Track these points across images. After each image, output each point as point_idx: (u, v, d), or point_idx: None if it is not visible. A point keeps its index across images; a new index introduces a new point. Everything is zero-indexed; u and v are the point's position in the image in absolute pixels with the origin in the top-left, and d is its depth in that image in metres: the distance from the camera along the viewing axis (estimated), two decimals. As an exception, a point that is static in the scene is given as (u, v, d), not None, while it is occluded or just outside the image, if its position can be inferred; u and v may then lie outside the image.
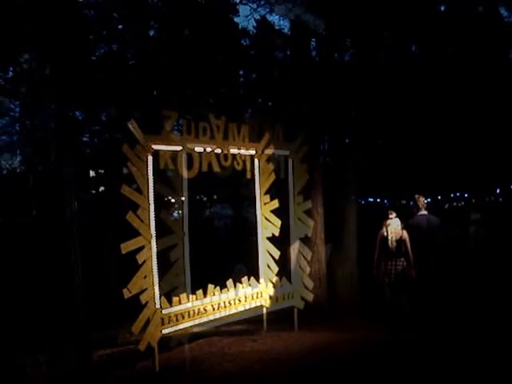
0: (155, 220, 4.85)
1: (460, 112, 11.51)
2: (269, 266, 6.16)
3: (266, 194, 6.16)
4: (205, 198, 17.07)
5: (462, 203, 23.16)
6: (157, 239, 4.88)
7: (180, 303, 5.07)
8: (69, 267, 4.96)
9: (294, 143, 6.44)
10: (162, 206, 5.53)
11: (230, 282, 5.66)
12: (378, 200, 24.96)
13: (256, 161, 6.04)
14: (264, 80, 12.73)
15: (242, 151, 5.80)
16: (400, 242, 6.15)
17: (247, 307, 5.79)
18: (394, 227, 6.20)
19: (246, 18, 13.98)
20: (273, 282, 6.13)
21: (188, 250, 5.78)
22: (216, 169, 5.52)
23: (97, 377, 4.86)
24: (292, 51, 8.51)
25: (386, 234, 6.20)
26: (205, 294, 5.35)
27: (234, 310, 5.64)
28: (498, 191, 21.63)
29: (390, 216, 6.29)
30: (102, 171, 11.02)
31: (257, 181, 6.08)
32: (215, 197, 17.50)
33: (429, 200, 19.04)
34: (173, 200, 6.43)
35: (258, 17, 11.02)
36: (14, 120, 10.32)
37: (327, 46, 7.82)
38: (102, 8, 9.05)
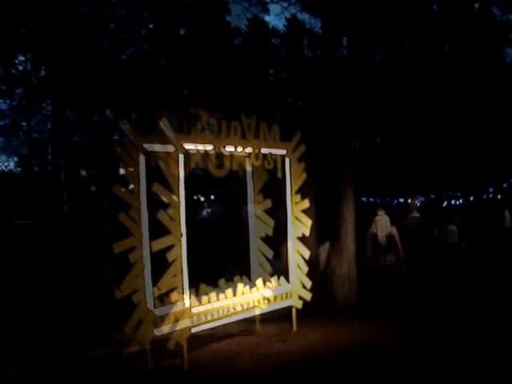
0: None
1: (455, 111, 11.57)
2: (298, 266, 6.16)
3: (296, 193, 6.15)
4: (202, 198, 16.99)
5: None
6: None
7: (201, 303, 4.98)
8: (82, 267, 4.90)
9: (291, 142, 6.43)
10: (160, 206, 5.52)
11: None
12: (372, 199, 24.90)
13: (287, 160, 6.05)
14: (260, 78, 12.70)
15: (273, 151, 5.83)
16: (389, 237, 6.39)
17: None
18: (382, 223, 6.47)
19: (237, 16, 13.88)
20: (302, 282, 6.11)
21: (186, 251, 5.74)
22: (248, 169, 5.70)
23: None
24: (287, 50, 8.53)
25: (375, 230, 6.45)
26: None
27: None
28: (490, 189, 21.22)
29: (379, 213, 6.58)
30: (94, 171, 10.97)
31: (287, 180, 6.09)
32: (212, 197, 17.41)
33: (422, 200, 19.14)
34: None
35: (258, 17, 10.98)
36: (10, 122, 10.28)
37: (323, 45, 7.85)
38: (97, 8, 9.05)
